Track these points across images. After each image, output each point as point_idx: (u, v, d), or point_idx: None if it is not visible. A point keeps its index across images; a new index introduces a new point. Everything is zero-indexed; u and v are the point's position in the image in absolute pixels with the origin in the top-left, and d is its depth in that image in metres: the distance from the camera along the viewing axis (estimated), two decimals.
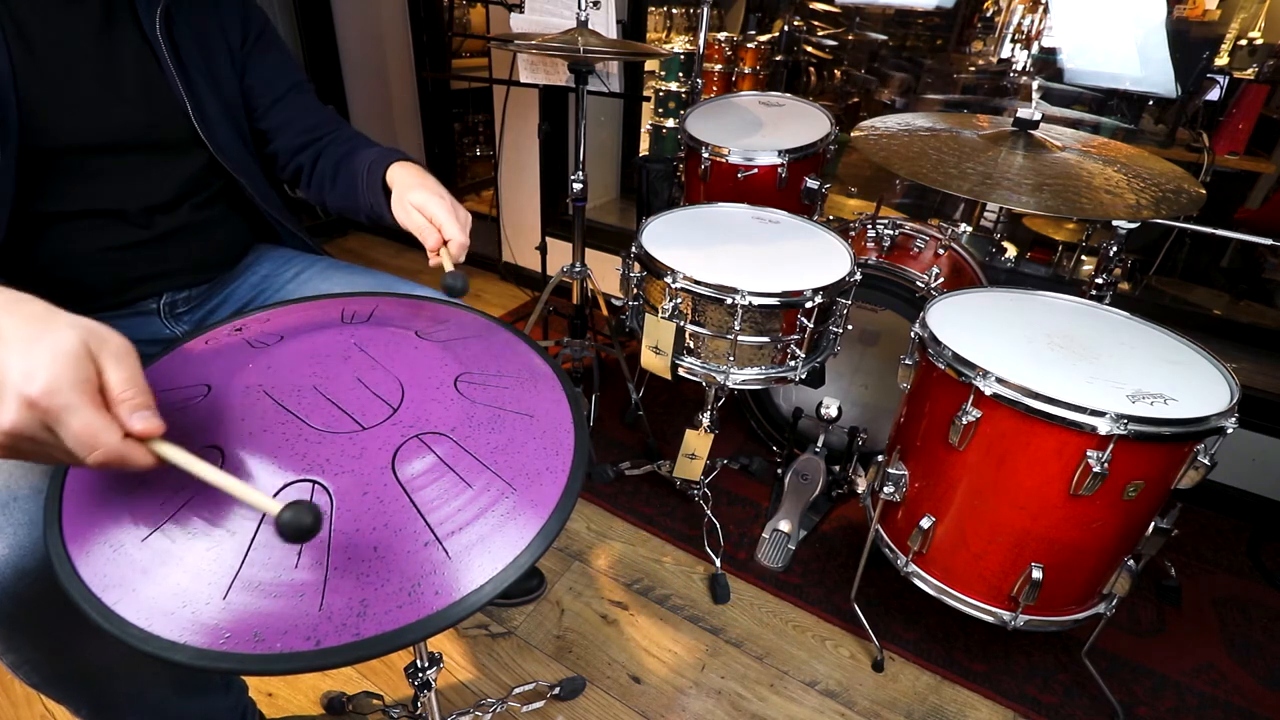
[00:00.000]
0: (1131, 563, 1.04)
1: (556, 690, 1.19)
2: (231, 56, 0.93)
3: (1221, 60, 2.20)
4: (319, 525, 0.45)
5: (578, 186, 1.60)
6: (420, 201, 0.81)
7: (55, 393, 0.42)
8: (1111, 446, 0.89)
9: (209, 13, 0.91)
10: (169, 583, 0.45)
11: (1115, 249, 1.23)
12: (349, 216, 0.98)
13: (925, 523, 1.11)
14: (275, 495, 0.49)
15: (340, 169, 0.95)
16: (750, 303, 1.09)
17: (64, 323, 0.45)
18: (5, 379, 0.42)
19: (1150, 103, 2.35)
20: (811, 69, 3.22)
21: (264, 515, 0.47)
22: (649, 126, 2.76)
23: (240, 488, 0.46)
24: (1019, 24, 2.61)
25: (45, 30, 0.77)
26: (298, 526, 0.43)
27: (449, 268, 0.78)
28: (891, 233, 1.54)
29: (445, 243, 0.80)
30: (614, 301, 1.62)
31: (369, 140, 0.99)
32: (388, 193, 0.88)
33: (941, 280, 1.39)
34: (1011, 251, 2.54)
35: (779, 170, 1.53)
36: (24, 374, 0.42)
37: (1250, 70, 2.16)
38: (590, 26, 1.44)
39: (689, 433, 1.39)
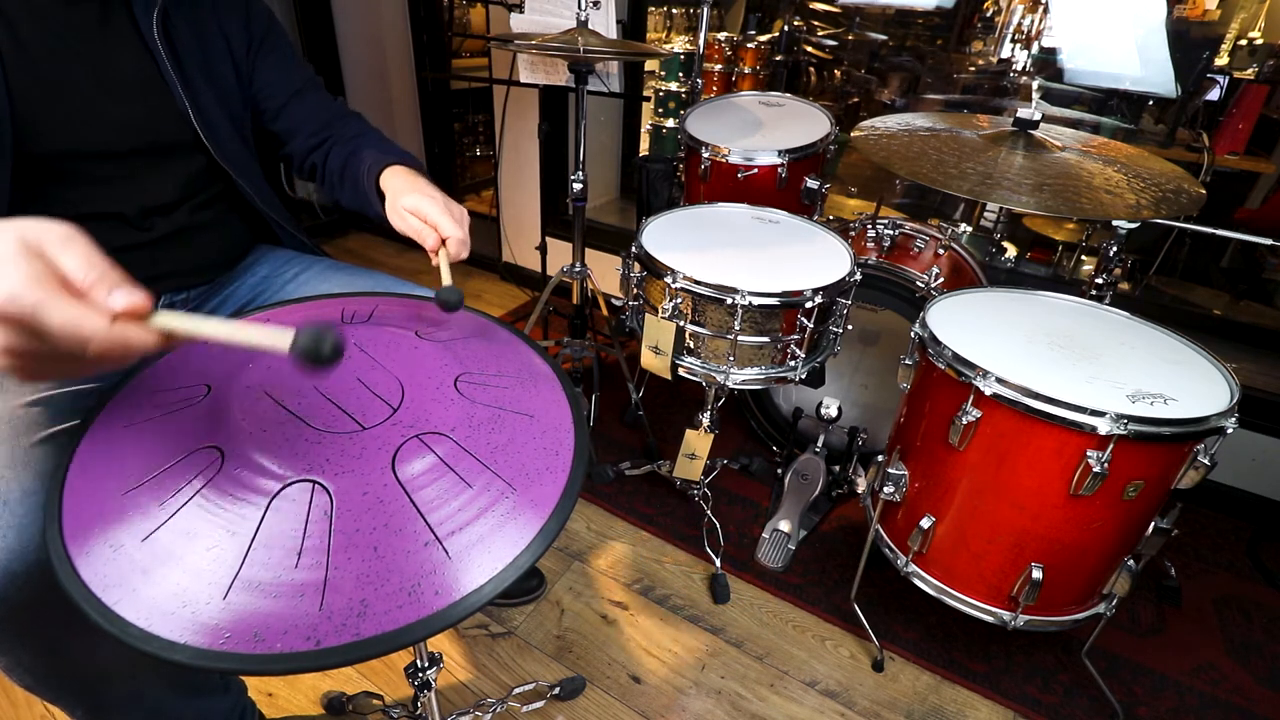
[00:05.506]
0: (1131, 563, 1.04)
1: (556, 690, 1.19)
2: (233, 57, 0.93)
3: (1221, 60, 2.20)
4: (339, 353, 0.44)
5: (578, 186, 1.60)
6: (413, 205, 0.81)
7: (15, 298, 0.39)
8: (1111, 446, 0.89)
9: (208, 12, 0.90)
10: (169, 583, 0.45)
11: (1115, 249, 1.23)
12: (362, 213, 0.98)
13: (925, 523, 1.11)
14: (274, 495, 0.49)
15: (345, 171, 0.95)
16: (750, 303, 1.09)
17: None
18: None
19: (1150, 103, 2.35)
20: (811, 69, 3.21)
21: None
22: (649, 126, 2.76)
23: (255, 333, 0.45)
24: (1019, 24, 2.61)
25: (41, 33, 0.76)
26: (315, 352, 0.43)
27: (446, 275, 0.77)
28: (891, 233, 1.54)
29: (444, 242, 0.80)
30: (614, 301, 1.62)
31: (374, 137, 0.99)
32: (383, 198, 0.88)
33: (941, 280, 1.39)
34: (1011, 251, 2.54)
35: (779, 170, 1.52)
36: None
37: (1250, 70, 2.16)
38: (590, 26, 1.44)
39: (689, 433, 1.39)
